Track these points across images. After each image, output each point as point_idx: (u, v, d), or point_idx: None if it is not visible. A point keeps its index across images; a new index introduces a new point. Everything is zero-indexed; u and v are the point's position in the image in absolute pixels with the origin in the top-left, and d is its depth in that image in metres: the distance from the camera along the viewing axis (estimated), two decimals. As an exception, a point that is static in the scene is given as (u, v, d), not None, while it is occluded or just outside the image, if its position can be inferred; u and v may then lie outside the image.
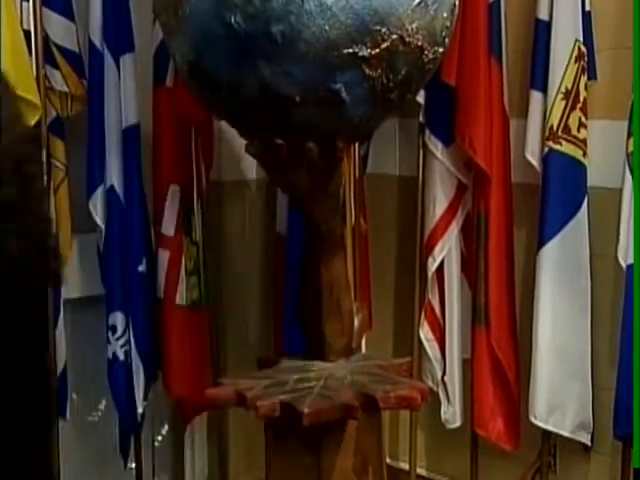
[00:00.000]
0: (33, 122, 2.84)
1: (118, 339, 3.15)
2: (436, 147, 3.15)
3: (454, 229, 3.19)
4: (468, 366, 3.18)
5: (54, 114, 3.07)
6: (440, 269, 3.21)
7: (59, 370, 3.14)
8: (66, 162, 3.12)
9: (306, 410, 2.32)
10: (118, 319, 3.14)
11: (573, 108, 2.87)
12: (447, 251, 3.19)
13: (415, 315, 3.30)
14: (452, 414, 3.23)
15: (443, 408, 3.23)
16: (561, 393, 2.97)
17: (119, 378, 3.17)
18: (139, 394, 3.15)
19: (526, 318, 3.02)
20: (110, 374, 3.19)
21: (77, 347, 3.24)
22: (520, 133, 3.02)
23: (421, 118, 3.18)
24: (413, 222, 3.32)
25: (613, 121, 2.85)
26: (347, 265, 2.76)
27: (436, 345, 3.24)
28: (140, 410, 3.18)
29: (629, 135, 2.66)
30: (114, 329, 3.15)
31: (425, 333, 3.24)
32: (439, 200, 3.18)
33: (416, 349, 3.29)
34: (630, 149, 2.66)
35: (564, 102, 2.87)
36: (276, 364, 2.67)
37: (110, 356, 3.18)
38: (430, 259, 3.19)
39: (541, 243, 2.93)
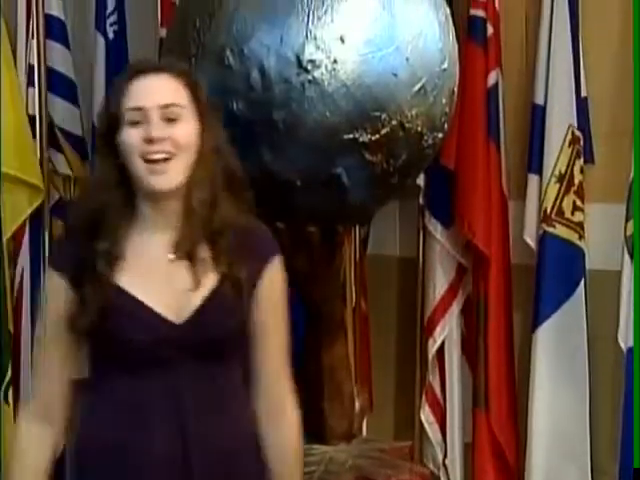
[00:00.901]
0: (36, 205, 2.87)
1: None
2: (436, 229, 3.17)
3: (454, 310, 3.19)
4: (469, 449, 3.15)
5: (56, 196, 3.11)
6: (440, 350, 3.20)
7: (58, 451, 3.11)
8: (68, 244, 3.14)
9: (307, 495, 2.29)
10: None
11: (567, 191, 2.91)
12: (448, 332, 3.19)
13: (416, 397, 3.28)
14: (453, 498, 3.20)
15: (444, 492, 3.20)
16: (558, 477, 2.94)
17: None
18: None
19: (525, 399, 3.00)
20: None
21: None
22: (519, 215, 3.05)
23: (421, 200, 3.21)
24: (413, 303, 3.32)
25: (611, 204, 2.87)
26: (348, 347, 2.76)
27: (437, 428, 3.21)
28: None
29: (627, 218, 2.69)
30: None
31: (426, 416, 3.21)
32: (439, 281, 3.19)
33: (417, 432, 3.26)
34: (629, 232, 2.68)
35: (558, 185, 2.91)
36: (276, 448, 2.65)
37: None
38: (431, 340, 3.19)
39: (536, 324, 2.94)
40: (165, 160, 1.71)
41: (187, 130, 1.74)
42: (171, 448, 1.75)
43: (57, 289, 1.77)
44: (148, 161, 1.71)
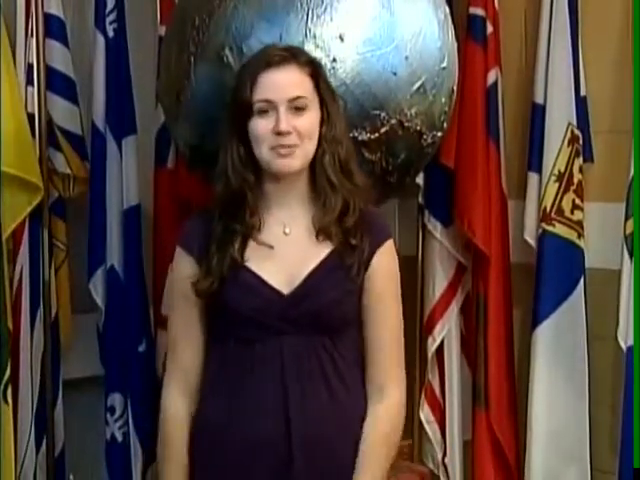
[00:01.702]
0: (35, 203, 2.87)
1: (116, 420, 3.13)
2: (435, 228, 3.17)
3: (454, 309, 3.19)
4: (469, 448, 3.15)
5: (56, 195, 3.10)
6: (440, 349, 3.20)
7: (57, 450, 3.12)
8: (67, 243, 3.14)
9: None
10: (117, 400, 3.13)
11: (567, 190, 2.90)
12: (447, 331, 3.19)
13: (415, 396, 3.27)
14: (453, 497, 3.19)
15: (444, 490, 3.20)
16: (558, 476, 2.94)
17: (117, 460, 3.14)
18: (136, 476, 3.12)
19: (525, 398, 3.00)
20: (108, 456, 3.16)
21: (76, 428, 3.21)
22: (519, 214, 3.04)
23: (420, 199, 3.21)
24: (413, 302, 3.31)
25: (610, 203, 2.87)
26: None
27: (436, 426, 3.21)
28: (137, 492, 3.14)
29: (627, 217, 2.68)
30: (112, 410, 3.14)
31: (425, 414, 3.21)
32: (439, 280, 3.19)
33: (416, 431, 3.26)
34: (628, 231, 2.67)
35: (557, 184, 2.90)
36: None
37: (108, 437, 3.15)
38: (430, 339, 3.19)
39: (536, 323, 2.93)
40: (290, 147, 1.87)
41: (310, 120, 1.90)
42: (273, 421, 1.86)
43: (185, 266, 1.96)
44: (275, 148, 1.87)
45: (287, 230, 1.94)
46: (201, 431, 1.96)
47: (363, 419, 1.94)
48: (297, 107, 1.88)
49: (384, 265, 1.97)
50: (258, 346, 1.89)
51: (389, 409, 1.96)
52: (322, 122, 1.93)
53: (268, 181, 1.94)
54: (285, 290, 1.89)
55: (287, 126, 1.86)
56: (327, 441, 1.89)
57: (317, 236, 1.92)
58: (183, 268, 1.97)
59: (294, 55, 1.94)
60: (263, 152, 1.89)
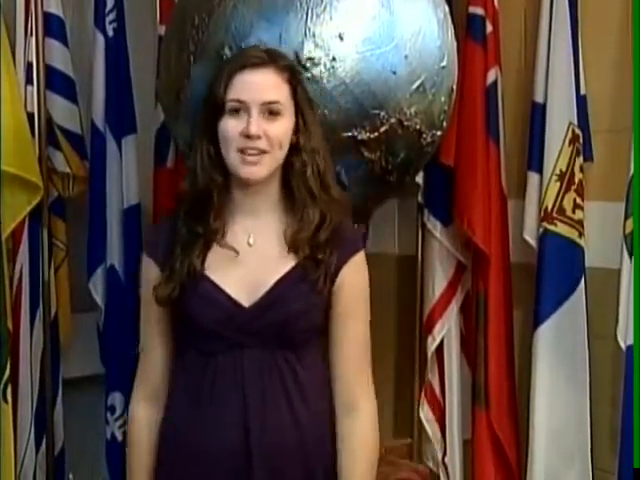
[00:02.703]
0: (34, 203, 2.87)
1: (117, 420, 3.14)
2: (435, 227, 3.17)
3: (453, 308, 3.19)
4: (469, 447, 3.15)
5: (55, 194, 3.11)
6: (440, 348, 3.20)
7: (57, 449, 3.12)
8: (66, 242, 3.15)
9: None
10: (117, 399, 3.13)
11: (568, 189, 2.89)
12: (447, 330, 3.18)
13: (415, 395, 3.28)
14: (453, 496, 3.20)
15: (444, 490, 3.20)
16: (559, 476, 2.94)
17: (117, 459, 3.14)
18: (137, 476, 3.11)
19: (525, 398, 3.00)
20: (108, 455, 3.16)
21: (76, 427, 3.22)
22: (519, 213, 3.04)
23: (420, 198, 3.21)
24: (412, 301, 3.32)
25: (610, 202, 2.87)
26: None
27: (436, 425, 3.21)
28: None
29: (627, 216, 2.68)
30: (113, 409, 3.14)
31: (425, 413, 3.21)
32: (438, 279, 3.19)
33: (416, 430, 3.26)
34: (628, 230, 2.67)
35: (559, 184, 2.89)
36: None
37: (108, 437, 3.16)
38: (430, 338, 3.19)
39: (537, 323, 2.92)
40: (259, 153, 1.81)
41: (283, 127, 1.84)
42: (233, 432, 1.82)
43: (150, 274, 1.91)
44: (243, 152, 1.81)
45: (251, 241, 1.88)
46: (164, 439, 1.93)
47: (324, 433, 1.89)
48: (271, 112, 1.83)
49: (350, 280, 1.90)
50: (220, 357, 1.85)
51: (363, 425, 1.91)
52: (297, 130, 1.87)
53: (236, 187, 1.88)
54: (245, 302, 1.84)
55: (257, 129, 1.80)
56: (286, 454, 1.84)
57: (288, 250, 1.86)
58: (148, 275, 1.92)
59: (273, 58, 1.88)
60: (230, 155, 1.83)
